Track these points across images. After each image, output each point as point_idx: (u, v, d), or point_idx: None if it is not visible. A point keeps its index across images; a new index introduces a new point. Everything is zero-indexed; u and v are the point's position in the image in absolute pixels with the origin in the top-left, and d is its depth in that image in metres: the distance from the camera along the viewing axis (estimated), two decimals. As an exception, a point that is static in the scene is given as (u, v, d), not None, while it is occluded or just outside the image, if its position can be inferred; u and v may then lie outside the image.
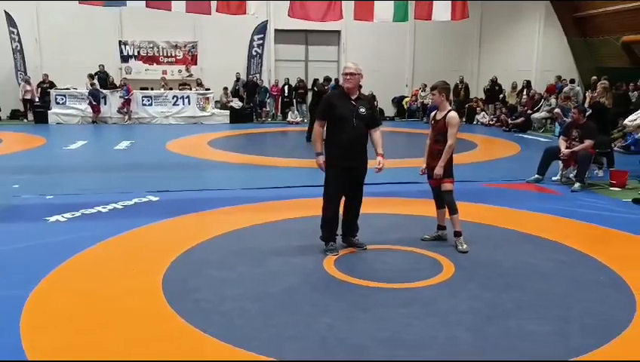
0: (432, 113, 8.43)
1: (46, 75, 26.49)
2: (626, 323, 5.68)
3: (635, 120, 12.74)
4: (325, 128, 7.75)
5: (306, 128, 20.11)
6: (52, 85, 26.25)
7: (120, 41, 27.98)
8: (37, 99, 26.06)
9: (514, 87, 28.18)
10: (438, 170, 7.95)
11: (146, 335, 5.36)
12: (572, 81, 25.06)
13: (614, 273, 7.18)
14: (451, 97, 26.65)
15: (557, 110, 16.73)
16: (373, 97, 25.28)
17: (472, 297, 6.40)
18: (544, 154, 12.99)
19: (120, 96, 25.75)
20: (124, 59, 28.26)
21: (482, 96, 29.39)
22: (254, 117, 27.73)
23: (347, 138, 7.61)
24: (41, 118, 25.31)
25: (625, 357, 5.09)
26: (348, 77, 7.65)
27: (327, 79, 21.37)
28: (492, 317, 5.87)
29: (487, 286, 6.73)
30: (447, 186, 8.06)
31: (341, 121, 7.60)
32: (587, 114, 12.99)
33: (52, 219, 9.35)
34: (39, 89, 26.34)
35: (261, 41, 28.84)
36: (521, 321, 5.76)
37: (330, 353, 5.08)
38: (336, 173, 7.65)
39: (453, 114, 8.03)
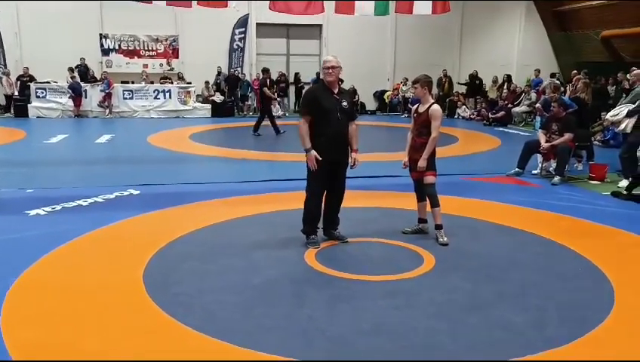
0: (415, 106, 8.45)
1: (26, 68, 26.27)
2: (605, 314, 5.74)
3: (616, 115, 12.81)
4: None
5: (289, 123, 20.17)
6: (32, 79, 26.04)
7: (101, 35, 27.84)
8: (16, 93, 25.86)
9: (494, 81, 28.26)
10: (422, 163, 7.98)
11: (126, 328, 5.35)
12: (552, 75, 25.17)
13: (593, 265, 7.24)
14: (436, 90, 26.92)
15: (538, 105, 16.75)
16: (354, 91, 25.35)
17: (452, 289, 6.44)
18: (524, 148, 13.05)
19: (101, 90, 25.64)
20: (105, 52, 28.13)
21: (462, 90, 29.44)
22: (236, 111, 27.72)
23: (332, 132, 7.62)
24: (21, 111, 25.11)
25: (602, 348, 5.14)
26: (330, 70, 7.63)
27: (266, 70, 21.46)
28: (471, 307, 5.91)
29: (467, 278, 6.77)
30: (429, 179, 8.09)
31: (326, 115, 7.59)
32: (572, 110, 13.06)
33: (32, 212, 9.31)
34: (18, 82, 26.12)
35: (242, 35, 28.83)
36: (501, 312, 5.81)
37: (311, 344, 5.10)
38: (320, 167, 7.65)
39: (436, 107, 8.06)
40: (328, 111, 7.57)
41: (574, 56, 29.13)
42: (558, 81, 18.68)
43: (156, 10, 21.99)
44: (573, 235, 8.52)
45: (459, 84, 29.74)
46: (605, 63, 25.98)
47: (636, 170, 11.72)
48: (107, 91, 25.50)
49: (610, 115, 13.14)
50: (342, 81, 7.97)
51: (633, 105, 12.28)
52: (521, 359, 4.86)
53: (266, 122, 19.92)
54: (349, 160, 7.90)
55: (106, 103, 25.64)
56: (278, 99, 20.58)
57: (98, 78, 26.34)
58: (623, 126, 12.50)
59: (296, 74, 29.48)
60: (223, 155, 16.12)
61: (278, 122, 20.53)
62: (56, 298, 6.01)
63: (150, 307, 5.78)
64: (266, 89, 20.36)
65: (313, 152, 7.60)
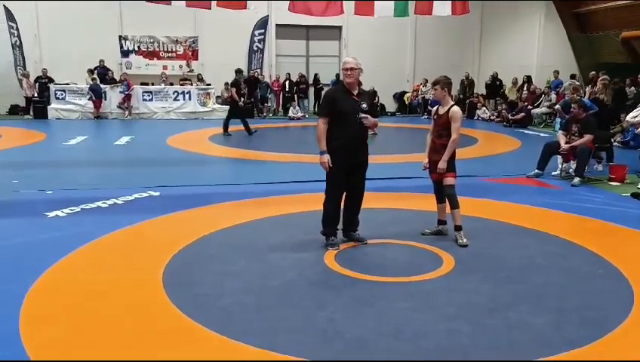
0: (435, 108, 8.44)
1: (45, 70, 26.46)
2: (624, 316, 5.70)
3: (636, 116, 12.76)
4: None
5: (309, 123, 20.20)
6: (50, 80, 26.22)
7: (120, 36, 28.02)
8: (35, 95, 25.98)
9: (514, 82, 28.14)
10: (442, 165, 7.96)
11: (145, 328, 5.37)
12: (572, 77, 25.03)
13: (613, 266, 7.20)
14: (456, 92, 26.88)
15: (558, 107, 16.72)
16: (374, 93, 25.31)
17: (472, 290, 6.42)
18: (544, 149, 13.00)
19: (120, 92, 25.78)
20: (125, 54, 28.31)
21: (483, 91, 29.38)
22: (255, 112, 27.70)
23: (350, 134, 7.61)
24: (41, 113, 25.28)
25: (622, 350, 5.11)
26: (348, 72, 7.62)
27: (239, 71, 21.64)
28: (491, 309, 5.89)
29: (487, 280, 6.75)
30: (449, 181, 8.07)
31: (344, 117, 7.58)
32: (593, 111, 12.99)
33: (51, 214, 9.34)
34: (37, 84, 26.29)
35: (262, 37, 28.91)
36: (520, 314, 5.78)
37: (330, 346, 5.09)
38: (338, 169, 7.64)
39: (456, 108, 8.04)
40: (347, 113, 7.55)
41: (594, 57, 28.94)
42: (577, 83, 18.61)
43: (175, 12, 22.03)
44: (592, 237, 8.47)
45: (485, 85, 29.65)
46: (626, 65, 25.79)
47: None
48: (127, 93, 25.61)
49: (630, 117, 13.10)
50: (360, 83, 7.93)
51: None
52: (541, 359, 4.83)
53: (296, 123, 19.88)
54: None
55: (126, 105, 25.78)
56: (241, 103, 20.70)
57: (117, 80, 26.44)
58: (643, 127, 12.48)
59: (315, 75, 29.44)
60: (242, 157, 16.13)
61: (298, 123, 20.52)
62: (75, 299, 6.04)
63: (169, 308, 5.79)
64: (234, 90, 20.45)
65: (327, 156, 7.57)
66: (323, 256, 7.45)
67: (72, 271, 6.91)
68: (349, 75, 7.62)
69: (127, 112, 25.79)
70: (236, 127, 20.26)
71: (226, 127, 20.41)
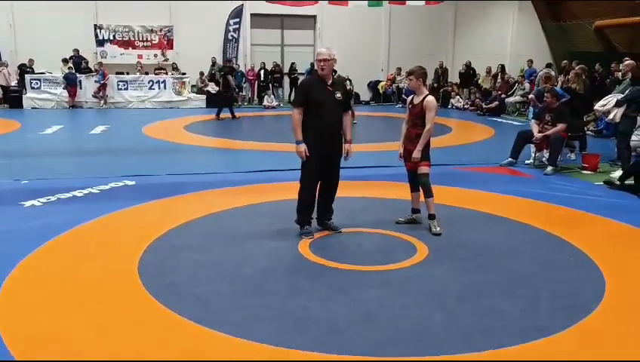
0: (409, 97, 8.49)
1: (32, 60, 26.31)
2: (595, 304, 5.80)
3: (605, 105, 12.91)
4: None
5: (284, 112, 20.36)
6: (33, 71, 26.06)
7: (95, 25, 27.85)
8: (14, 83, 25.79)
9: (488, 71, 28.29)
10: (417, 154, 8.02)
11: (121, 318, 5.39)
12: (548, 65, 25.16)
13: (584, 254, 7.31)
14: (430, 81, 26.99)
15: (531, 96, 16.84)
16: (349, 80, 25.33)
17: (445, 278, 6.50)
18: (517, 138, 13.11)
19: (95, 81, 25.62)
20: (100, 43, 28.15)
21: (457, 80, 29.55)
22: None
23: (325, 124, 7.66)
24: (16, 102, 25.10)
25: (595, 336, 5.19)
26: (322, 63, 7.65)
27: (229, 60, 22.70)
28: (464, 297, 5.97)
29: (460, 268, 6.83)
30: (423, 169, 8.14)
31: (319, 107, 7.62)
32: (565, 100, 13.08)
33: (27, 203, 9.32)
34: (19, 72, 26.15)
35: (237, 26, 28.78)
36: (493, 301, 5.88)
37: (304, 333, 5.14)
38: (313, 159, 7.69)
39: (431, 98, 8.09)
40: (322, 103, 7.60)
41: (567, 46, 29.16)
42: (553, 72, 18.73)
43: (151, 1, 21.99)
44: (565, 225, 8.58)
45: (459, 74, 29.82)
46: (598, 53, 25.99)
47: (630, 160, 11.82)
48: (102, 82, 25.48)
49: (598, 105, 13.26)
50: (335, 72, 7.98)
51: (622, 95, 12.38)
52: (514, 346, 4.91)
53: (270, 112, 19.89)
54: (343, 151, 7.95)
55: (101, 94, 25.64)
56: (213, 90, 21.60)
57: (92, 69, 26.30)
58: (611, 116, 12.62)
59: (292, 64, 29.41)
60: (217, 146, 16.18)
61: (272, 112, 20.66)
62: (53, 289, 6.05)
63: (145, 297, 5.82)
64: (230, 78, 21.92)
65: (303, 145, 7.62)
66: (297, 245, 7.50)
67: (49, 260, 6.91)
68: (323, 66, 7.65)
69: (102, 101, 25.66)
70: (211, 115, 20.26)
71: (218, 114, 21.55)
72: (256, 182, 11.07)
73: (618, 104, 12.41)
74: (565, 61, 22.77)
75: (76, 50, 26.90)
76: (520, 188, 10.95)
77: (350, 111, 8.14)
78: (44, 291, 6.00)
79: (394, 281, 6.38)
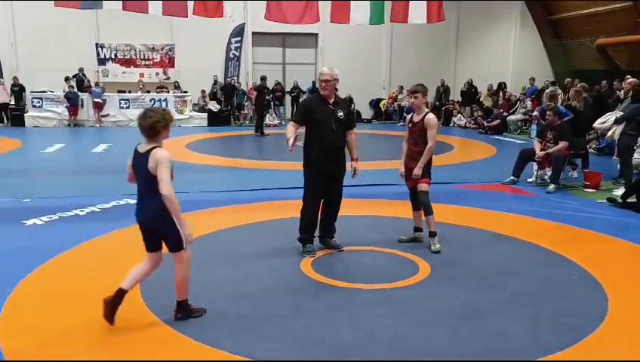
0: (409, 116, 8.49)
1: (16, 78, 26.36)
2: (598, 322, 5.78)
3: (604, 122, 12.92)
4: (305, 133, 7.82)
5: (284, 130, 20.36)
6: (22, 88, 26.08)
7: (97, 44, 27.93)
8: (12, 101, 25.89)
9: (489, 89, 28.32)
10: (417, 171, 8.02)
11: (123, 337, 5.37)
12: (553, 83, 25.12)
13: (587, 272, 7.29)
14: (432, 99, 27.02)
15: (535, 113, 16.86)
16: (350, 100, 25.41)
17: (448, 297, 6.47)
18: (519, 156, 13.10)
19: (95, 98, 25.58)
20: (101, 62, 28.22)
21: (459, 98, 29.59)
22: (232, 119, 27.78)
23: (327, 143, 7.66)
24: (18, 121, 25.14)
25: (597, 355, 5.17)
26: (323, 84, 7.67)
27: (263, 78, 22.99)
28: (467, 316, 5.95)
29: (462, 286, 6.81)
30: (423, 187, 8.13)
31: (320, 126, 7.64)
32: (568, 118, 13.08)
33: (29, 222, 9.32)
34: (12, 92, 26.22)
35: (238, 44, 28.87)
36: (495, 320, 5.85)
37: (307, 353, 5.12)
38: (316, 177, 7.70)
39: (432, 116, 8.10)
40: (323, 122, 7.61)
41: (569, 64, 29.20)
42: (559, 90, 18.76)
43: (152, 20, 21.96)
44: (567, 243, 8.55)
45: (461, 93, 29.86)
46: (600, 71, 25.98)
47: (632, 177, 11.81)
48: (102, 98, 25.53)
49: (598, 123, 13.25)
50: (337, 89, 7.97)
51: (621, 113, 12.41)
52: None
53: (272, 130, 19.91)
54: (350, 169, 7.93)
55: (97, 114, 25.70)
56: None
57: (93, 87, 26.33)
58: (610, 133, 12.64)
59: (295, 83, 29.42)
60: (219, 164, 16.14)
61: (274, 130, 20.70)
62: (53, 308, 6.03)
63: (147, 316, 5.81)
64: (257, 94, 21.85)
65: (292, 139, 7.45)
66: (299, 264, 7.49)
67: (51, 279, 6.90)
68: (324, 87, 7.67)
69: (98, 121, 25.69)
70: (219, 133, 20.20)
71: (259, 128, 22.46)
72: (257, 201, 11.06)
73: (617, 121, 12.43)
74: (568, 79, 22.74)
75: (80, 69, 26.96)
76: (522, 206, 10.94)
77: (354, 129, 8.11)
78: (46, 310, 5.98)
79: (396, 300, 6.36)
